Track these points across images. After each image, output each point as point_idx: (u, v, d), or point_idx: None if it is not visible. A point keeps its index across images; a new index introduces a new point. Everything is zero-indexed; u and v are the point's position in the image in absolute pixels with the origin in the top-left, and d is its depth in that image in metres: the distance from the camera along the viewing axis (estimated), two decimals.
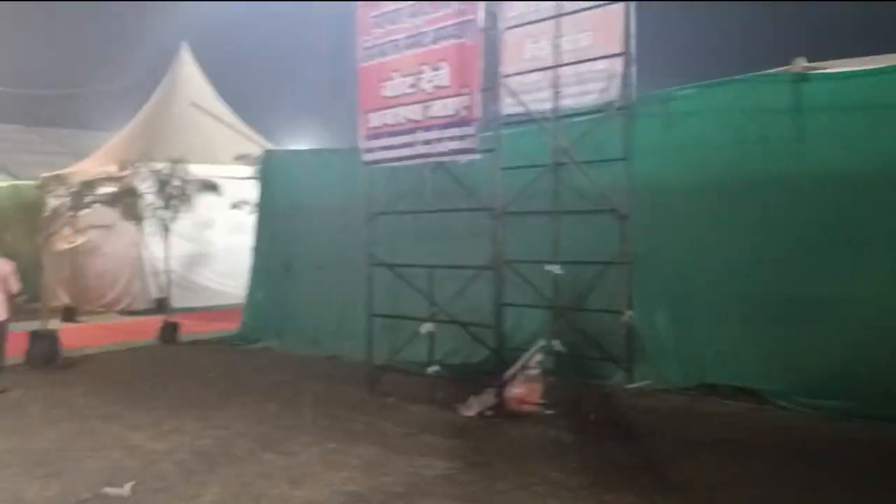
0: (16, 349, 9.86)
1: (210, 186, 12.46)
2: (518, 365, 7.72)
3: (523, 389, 7.53)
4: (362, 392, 8.46)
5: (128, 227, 14.53)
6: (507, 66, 7.89)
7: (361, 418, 7.42)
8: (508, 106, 8.02)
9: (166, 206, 12.02)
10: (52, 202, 12.50)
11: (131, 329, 13.77)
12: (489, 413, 7.38)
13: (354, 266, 10.34)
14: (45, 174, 15.25)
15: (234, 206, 13.49)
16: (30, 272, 9.36)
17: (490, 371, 7.99)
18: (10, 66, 25.43)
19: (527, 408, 7.44)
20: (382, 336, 8.93)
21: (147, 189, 12.31)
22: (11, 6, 27.04)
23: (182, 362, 10.81)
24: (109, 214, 13.74)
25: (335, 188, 11.49)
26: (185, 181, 12.12)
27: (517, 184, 8.01)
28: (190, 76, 18.61)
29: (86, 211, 13.16)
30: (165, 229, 12.18)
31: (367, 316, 8.73)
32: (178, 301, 14.34)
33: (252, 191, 13.16)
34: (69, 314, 15.02)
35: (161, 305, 15.34)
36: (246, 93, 23.54)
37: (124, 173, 13.97)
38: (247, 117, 19.12)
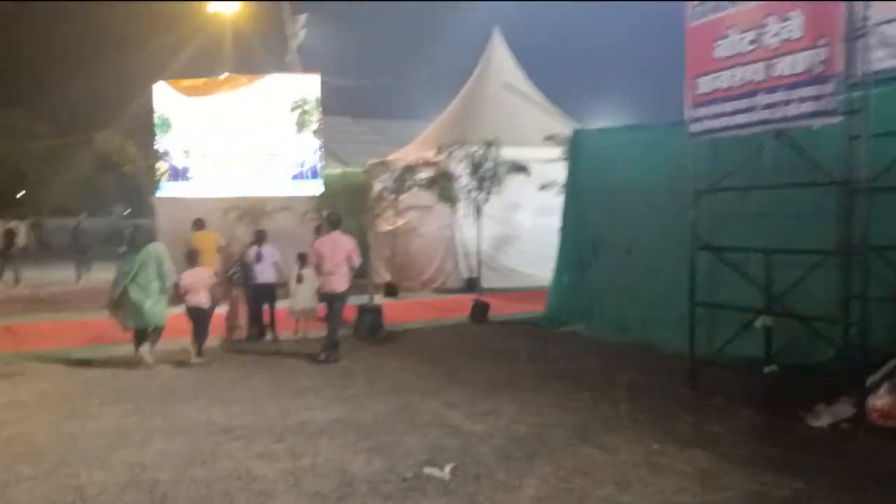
0: (345, 321, 10.64)
1: (520, 168, 12.42)
2: (884, 371, 6.41)
3: (891, 401, 6.22)
4: (682, 387, 7.70)
5: (443, 209, 15.18)
6: (876, 12, 6.52)
7: (685, 417, 6.69)
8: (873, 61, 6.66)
9: (479, 188, 12.21)
10: (377, 186, 13.41)
11: (445, 306, 14.32)
12: (845, 426, 6.22)
13: (667, 249, 9.60)
14: (371, 161, 16.49)
15: (543, 187, 13.34)
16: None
17: (839, 375, 6.78)
18: (338, 60, 28.03)
19: (894, 423, 6.14)
20: (699, 326, 8.09)
21: (461, 171, 12.62)
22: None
23: (492, 342, 10.88)
24: (427, 197, 14.41)
25: (647, 166, 10.75)
26: (497, 163, 12.19)
27: (880, 154, 6.62)
28: (502, 60, 18.96)
29: (406, 194, 13.94)
30: (478, 211, 12.39)
31: (689, 304, 7.94)
32: (486, 281, 14.65)
33: (560, 172, 12.93)
34: (390, 290, 16.11)
35: (471, 285, 15.84)
36: (553, 73, 23.40)
37: (440, 157, 14.57)
38: (554, 98, 19.01)
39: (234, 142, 18.60)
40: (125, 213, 16.05)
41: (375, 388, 8.02)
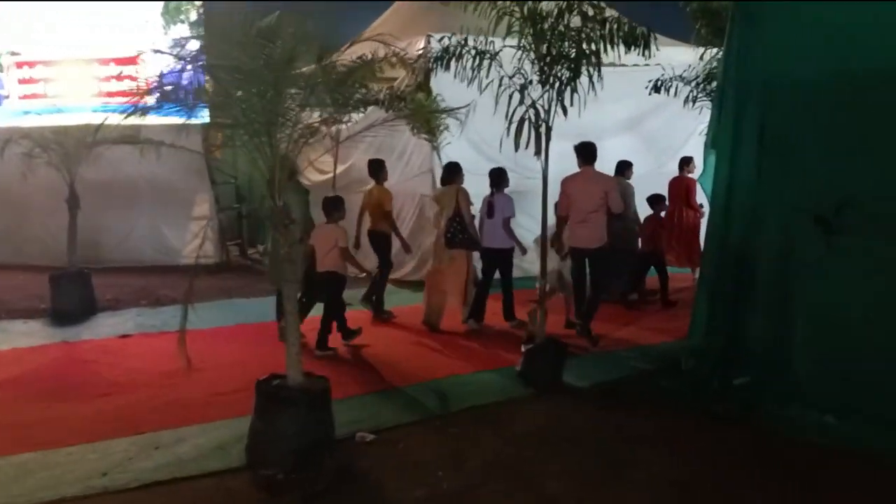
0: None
1: (637, 41, 5.28)
2: None
3: None
4: None
5: (418, 146, 8.48)
6: None
7: None
8: None
9: (551, 84, 5.14)
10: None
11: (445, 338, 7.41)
12: None
13: None
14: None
15: (658, 87, 6.84)
16: None
17: None
18: None
19: None
20: None
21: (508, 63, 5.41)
22: None
23: None
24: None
25: None
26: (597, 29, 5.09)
27: None
28: None
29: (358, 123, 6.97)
30: (545, 134, 5.31)
31: None
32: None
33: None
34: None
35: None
36: None
37: (420, 47, 7.89)
38: None
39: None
40: None
41: None
